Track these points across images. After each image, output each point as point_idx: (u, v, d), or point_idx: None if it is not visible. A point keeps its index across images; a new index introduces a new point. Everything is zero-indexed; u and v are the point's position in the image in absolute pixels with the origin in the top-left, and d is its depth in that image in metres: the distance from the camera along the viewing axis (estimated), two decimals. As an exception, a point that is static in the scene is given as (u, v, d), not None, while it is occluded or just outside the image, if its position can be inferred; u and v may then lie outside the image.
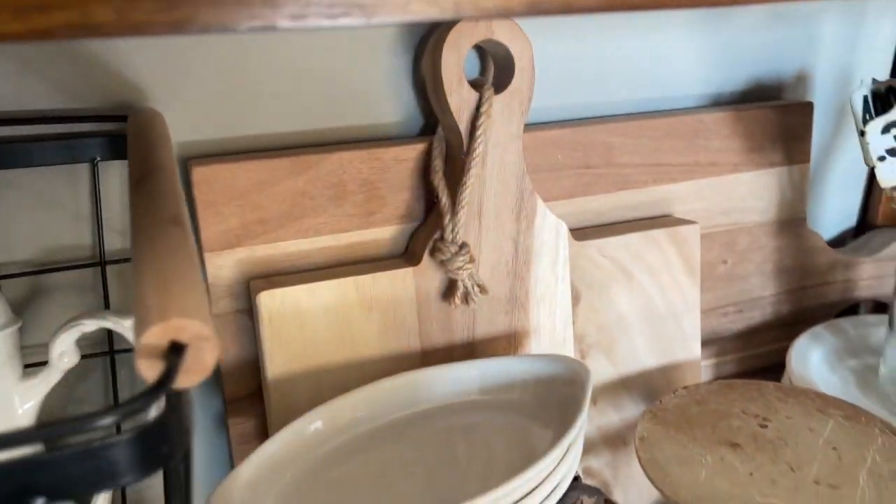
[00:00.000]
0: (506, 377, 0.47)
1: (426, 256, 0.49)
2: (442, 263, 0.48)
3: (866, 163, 0.52)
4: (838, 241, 0.73)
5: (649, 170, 0.58)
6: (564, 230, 0.52)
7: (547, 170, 0.54)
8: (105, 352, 0.48)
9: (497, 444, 0.44)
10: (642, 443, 0.47)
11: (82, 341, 0.42)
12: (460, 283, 0.49)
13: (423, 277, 0.49)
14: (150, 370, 0.20)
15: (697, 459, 0.46)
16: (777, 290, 0.65)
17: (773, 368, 0.65)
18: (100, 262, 0.47)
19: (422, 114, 0.53)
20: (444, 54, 0.46)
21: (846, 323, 0.64)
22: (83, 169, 0.46)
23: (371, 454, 0.43)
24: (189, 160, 0.46)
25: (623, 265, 0.55)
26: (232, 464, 0.51)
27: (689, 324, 0.58)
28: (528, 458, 0.37)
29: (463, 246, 0.48)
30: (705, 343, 0.63)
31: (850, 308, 0.70)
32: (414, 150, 0.50)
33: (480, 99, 0.47)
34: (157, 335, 0.20)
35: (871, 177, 0.73)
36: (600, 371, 0.56)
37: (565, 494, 0.41)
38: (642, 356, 0.57)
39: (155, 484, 0.53)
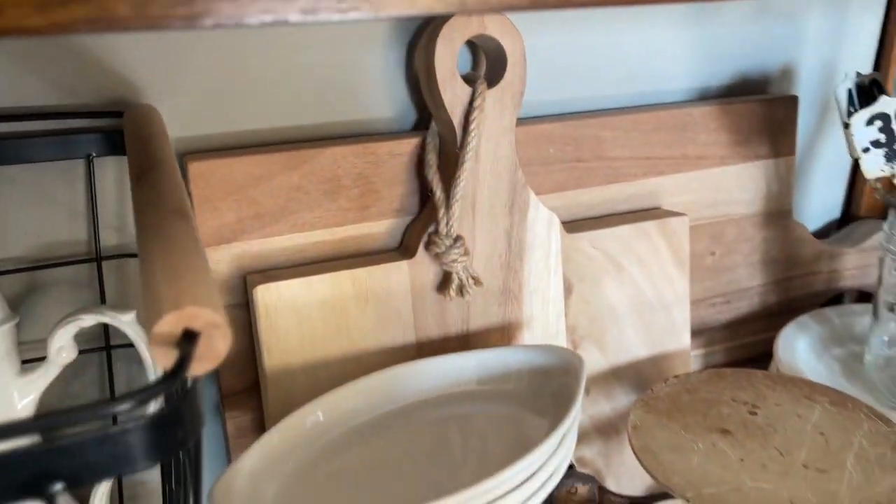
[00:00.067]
0: (502, 367, 0.47)
1: (421, 249, 0.49)
2: (437, 256, 0.49)
3: (851, 154, 0.53)
4: (823, 233, 0.75)
5: (639, 163, 0.59)
6: (556, 223, 0.53)
7: (539, 163, 0.55)
8: (101, 347, 0.48)
9: (494, 433, 0.45)
10: (635, 431, 0.48)
11: (79, 337, 0.43)
12: (455, 276, 0.49)
13: (418, 270, 0.50)
14: (164, 358, 0.21)
15: (689, 446, 0.47)
16: (764, 281, 0.67)
17: (760, 358, 0.66)
18: (96, 257, 0.47)
19: (415, 108, 0.53)
20: (437, 49, 0.47)
21: (831, 312, 0.65)
22: (79, 165, 0.46)
23: (371, 444, 0.44)
24: (184, 155, 0.47)
25: (614, 257, 0.56)
26: (229, 457, 0.51)
27: (679, 314, 0.59)
28: (525, 446, 0.37)
29: (457, 239, 0.49)
30: (694, 333, 0.64)
31: (835, 298, 0.71)
32: (408, 145, 0.51)
33: (473, 93, 0.48)
34: (171, 323, 0.21)
35: (855, 169, 0.74)
36: (592, 362, 0.57)
37: (560, 482, 0.42)
38: (633, 347, 0.58)
39: (151, 479, 0.53)
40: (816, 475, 0.44)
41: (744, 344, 0.67)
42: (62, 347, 0.42)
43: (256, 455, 0.40)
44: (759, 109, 0.62)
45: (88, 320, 0.42)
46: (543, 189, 0.55)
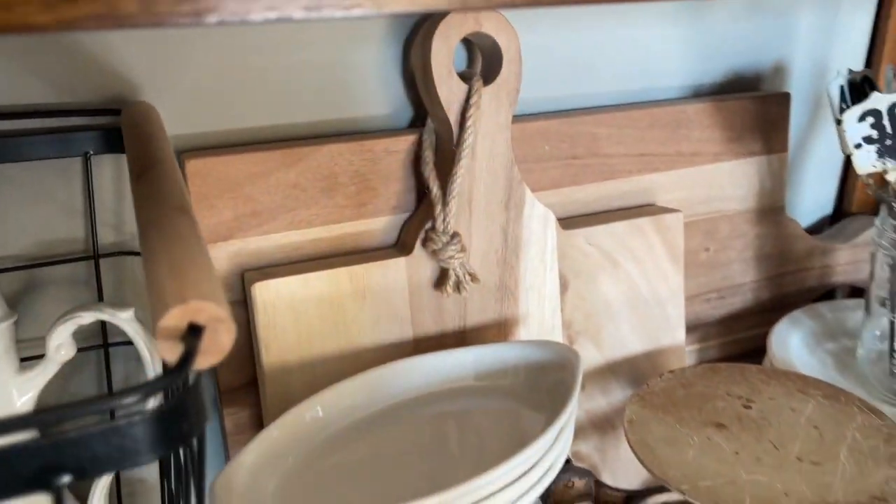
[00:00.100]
0: (500, 363, 0.48)
1: (418, 246, 0.50)
2: (434, 253, 0.49)
3: (843, 150, 0.54)
4: (815, 229, 0.75)
5: (634, 160, 0.59)
6: (552, 219, 0.53)
7: (534, 160, 0.55)
8: (99, 345, 0.48)
9: (492, 428, 0.45)
10: (631, 425, 0.49)
11: (76, 334, 0.43)
12: (452, 272, 0.50)
13: (415, 267, 0.50)
14: (169, 352, 0.21)
15: (685, 440, 0.47)
16: (757, 277, 0.67)
17: (754, 353, 0.67)
18: (93, 255, 0.47)
19: (411, 106, 0.53)
20: (433, 47, 0.47)
21: (824, 307, 0.66)
22: (76, 163, 0.46)
23: (370, 439, 0.44)
24: (182, 153, 0.47)
25: (609, 253, 0.56)
26: (226, 453, 0.51)
27: (674, 310, 0.60)
28: (522, 441, 0.38)
29: (454, 235, 0.49)
30: (689, 329, 0.64)
31: (828, 293, 0.72)
32: (404, 142, 0.51)
33: (470, 91, 0.48)
34: (177, 317, 0.21)
35: (847, 166, 0.75)
36: (588, 357, 0.57)
37: (557, 476, 0.42)
38: (628, 342, 0.58)
39: (149, 477, 0.53)
40: (810, 468, 0.44)
41: (738, 339, 0.68)
42: (61, 345, 0.42)
43: (257, 449, 0.40)
44: (752, 106, 0.63)
45: (87, 317, 0.42)
46: (539, 186, 0.56)
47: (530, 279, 0.54)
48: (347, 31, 0.50)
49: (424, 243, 0.50)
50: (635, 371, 0.59)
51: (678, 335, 0.60)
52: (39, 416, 0.19)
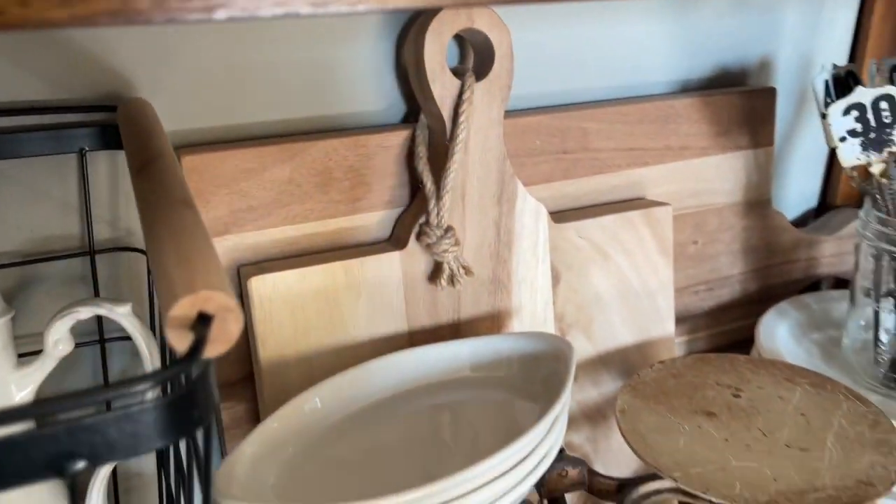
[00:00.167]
0: (495, 354, 0.48)
1: (412, 240, 0.50)
2: (428, 247, 0.50)
3: (828, 144, 0.55)
4: (801, 221, 0.76)
5: (623, 154, 0.60)
6: (544, 213, 0.54)
7: (526, 155, 0.56)
8: (96, 340, 0.49)
9: (487, 418, 0.46)
10: (623, 415, 0.49)
11: (73, 330, 0.43)
12: (446, 266, 0.50)
13: (410, 261, 0.51)
14: (179, 340, 0.21)
15: (676, 428, 0.48)
16: (745, 269, 0.68)
17: (742, 343, 0.68)
18: (89, 251, 0.47)
19: (404, 101, 0.54)
20: (426, 43, 0.47)
21: (810, 298, 0.67)
22: (71, 159, 0.46)
23: (368, 430, 0.45)
24: (177, 149, 0.47)
25: (600, 246, 0.57)
26: (223, 447, 0.52)
27: (664, 302, 0.60)
28: (517, 431, 0.38)
29: (448, 229, 0.50)
30: (678, 321, 0.65)
31: (813, 284, 0.73)
32: (398, 137, 0.51)
33: (462, 86, 0.49)
34: (186, 307, 0.21)
35: (831, 159, 0.76)
36: (579, 349, 0.58)
37: (551, 465, 0.43)
38: (619, 334, 0.59)
39: (146, 472, 0.53)
40: (799, 454, 0.45)
41: (726, 330, 0.69)
42: (59, 340, 0.43)
43: (257, 440, 0.41)
44: (739, 101, 0.64)
45: (85, 313, 0.42)
46: (531, 180, 0.56)
47: (523, 272, 0.54)
48: (341, 28, 0.50)
49: (419, 237, 0.50)
50: (626, 362, 0.60)
51: (668, 327, 0.61)
52: (53, 402, 0.19)
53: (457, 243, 0.50)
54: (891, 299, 0.56)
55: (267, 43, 0.49)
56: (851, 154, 0.54)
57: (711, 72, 0.66)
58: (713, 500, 0.42)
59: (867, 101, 0.54)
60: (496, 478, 0.37)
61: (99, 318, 0.48)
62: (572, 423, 0.58)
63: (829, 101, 0.54)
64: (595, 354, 0.59)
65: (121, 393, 0.20)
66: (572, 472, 0.50)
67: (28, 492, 0.43)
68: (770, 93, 0.66)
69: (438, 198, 0.49)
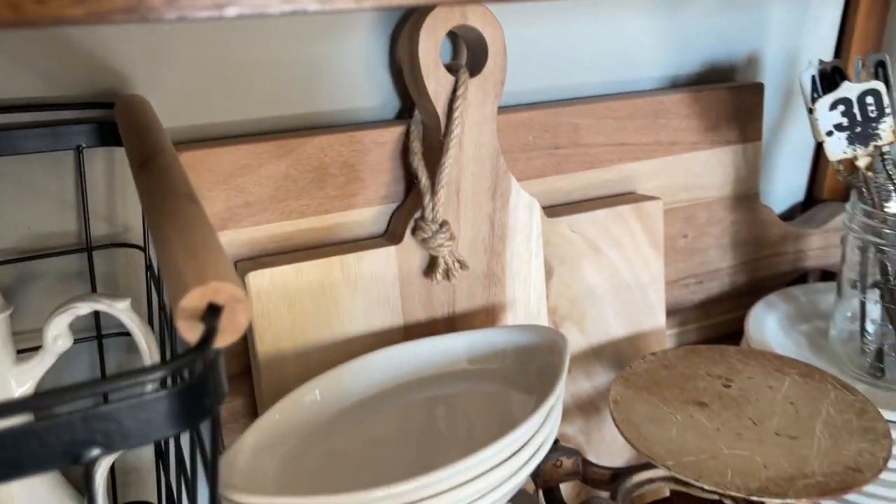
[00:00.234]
0: (490, 347, 0.49)
1: (408, 235, 0.51)
2: (423, 242, 0.50)
3: (815, 138, 0.56)
4: (788, 215, 0.78)
5: (614, 149, 0.61)
6: (537, 208, 0.55)
7: (519, 150, 0.57)
8: (92, 336, 0.49)
9: (483, 409, 0.46)
10: (616, 405, 0.50)
11: (70, 326, 0.43)
12: (441, 260, 0.51)
13: (405, 255, 0.51)
14: (189, 331, 0.22)
15: (668, 418, 0.49)
16: (734, 262, 0.69)
17: (732, 335, 0.69)
18: (86, 247, 0.47)
19: (398, 97, 0.54)
20: (420, 40, 0.48)
21: (797, 291, 0.68)
22: (67, 156, 0.47)
23: (368, 422, 0.45)
24: (174, 146, 0.47)
25: (592, 240, 0.58)
26: (221, 441, 0.52)
27: (655, 295, 0.61)
28: (513, 422, 0.39)
29: (443, 224, 0.50)
30: (669, 313, 0.66)
31: (801, 277, 0.74)
32: (392, 133, 0.52)
33: (456, 83, 0.49)
34: (196, 298, 0.22)
35: (817, 154, 0.77)
36: (572, 341, 0.59)
37: (546, 456, 0.44)
38: (611, 327, 0.60)
39: (143, 467, 0.54)
40: (788, 441, 0.46)
41: (716, 322, 0.70)
42: (58, 336, 0.43)
43: (258, 432, 0.41)
44: (727, 96, 0.65)
45: (84, 308, 0.43)
46: (524, 175, 0.57)
47: (516, 266, 0.55)
48: (335, 25, 0.51)
49: (414, 232, 0.51)
50: (618, 354, 0.61)
51: (659, 319, 0.62)
52: (70, 391, 0.20)
53: (452, 238, 0.51)
54: (877, 290, 0.57)
55: (262, 40, 0.49)
56: (838, 148, 0.55)
57: (700, 68, 0.67)
58: (706, 487, 0.43)
59: (853, 96, 0.55)
60: (493, 468, 0.38)
61: (96, 314, 0.49)
62: (566, 414, 0.59)
63: (815, 96, 0.55)
64: (588, 347, 0.60)
65: (137, 381, 0.20)
66: (567, 463, 0.51)
67: (29, 486, 0.43)
68: (758, 88, 0.67)
69: (433, 193, 0.50)
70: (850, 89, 0.55)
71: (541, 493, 0.52)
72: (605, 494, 0.50)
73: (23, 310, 0.48)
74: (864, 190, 0.56)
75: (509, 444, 0.38)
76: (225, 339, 0.22)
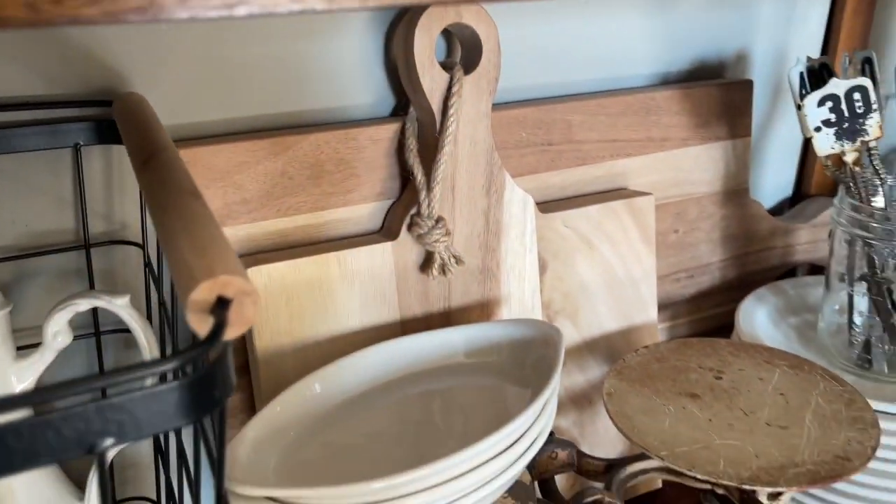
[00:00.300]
0: (486, 341, 0.50)
1: (403, 231, 0.51)
2: (419, 237, 0.51)
3: (804, 134, 0.57)
4: (777, 210, 0.79)
5: (606, 146, 0.61)
6: (531, 203, 0.56)
7: (513, 147, 0.57)
8: (91, 333, 0.49)
9: (480, 402, 0.47)
10: (610, 398, 0.51)
11: (70, 323, 0.44)
12: (437, 256, 0.51)
13: (402, 251, 0.52)
14: (199, 324, 0.22)
15: (661, 410, 0.50)
16: (724, 256, 0.70)
17: (722, 329, 0.70)
18: (84, 245, 0.48)
19: (393, 95, 0.55)
20: (416, 38, 0.48)
21: (786, 284, 0.69)
22: (65, 154, 0.47)
23: (367, 415, 0.46)
24: (171, 143, 0.48)
25: (585, 235, 0.58)
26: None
27: (647, 289, 0.62)
28: (508, 415, 0.40)
29: (439, 220, 0.51)
30: (660, 307, 0.67)
31: (790, 271, 0.76)
32: (387, 131, 0.52)
33: (451, 80, 0.50)
34: (206, 291, 0.22)
35: (805, 150, 0.78)
36: (566, 335, 0.59)
37: (542, 448, 0.44)
38: (604, 321, 0.61)
39: (141, 463, 0.54)
40: (779, 431, 0.47)
41: (706, 316, 0.71)
42: (58, 332, 0.43)
43: (259, 425, 0.42)
44: (717, 93, 0.66)
45: (83, 305, 0.43)
46: (517, 171, 0.58)
47: (511, 261, 0.56)
48: (331, 23, 0.51)
49: (410, 228, 0.51)
50: (611, 348, 0.62)
51: (651, 313, 0.63)
52: (85, 381, 0.20)
53: (447, 233, 0.51)
54: (864, 283, 0.58)
55: (259, 38, 0.49)
56: (826, 143, 0.56)
57: (690, 65, 0.68)
58: (698, 476, 0.44)
59: (840, 93, 0.56)
60: (489, 460, 0.39)
61: (94, 311, 0.49)
62: (560, 407, 0.60)
63: (804, 92, 0.56)
64: (581, 341, 0.60)
65: (151, 372, 0.21)
66: (562, 454, 0.52)
67: (30, 481, 0.43)
68: (747, 85, 0.68)
69: (429, 189, 0.50)
70: (837, 86, 0.56)
71: (536, 484, 0.53)
72: (599, 485, 0.50)
73: (21, 307, 0.48)
74: (851, 185, 0.57)
75: (505, 436, 0.39)
76: (234, 331, 0.23)
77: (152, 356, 0.44)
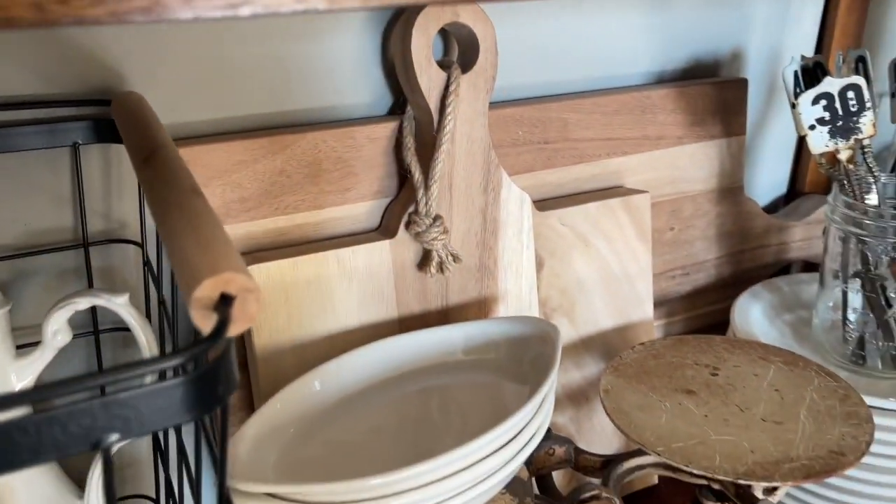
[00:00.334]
0: (485, 338, 0.50)
1: (401, 229, 0.52)
2: (417, 235, 0.51)
3: (798, 132, 0.57)
4: (771, 208, 0.79)
5: (602, 144, 0.62)
6: (528, 201, 0.56)
7: (509, 145, 0.58)
8: (90, 331, 0.49)
9: (478, 399, 0.47)
10: (607, 394, 0.51)
11: (69, 321, 0.44)
12: (435, 254, 0.52)
13: (400, 249, 0.52)
14: (203, 320, 0.23)
15: (657, 406, 0.50)
16: (719, 254, 0.71)
17: (718, 325, 0.71)
18: (83, 243, 0.48)
19: (391, 93, 0.55)
20: (413, 37, 0.49)
21: (781, 281, 0.70)
22: (63, 153, 0.47)
23: (366, 412, 0.46)
24: (170, 142, 0.48)
25: (582, 233, 0.59)
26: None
27: (643, 287, 0.63)
28: (506, 411, 0.40)
29: (437, 218, 0.51)
30: (656, 304, 0.68)
31: (784, 268, 0.76)
32: (385, 129, 0.53)
33: (449, 79, 0.50)
34: (210, 288, 0.22)
35: (800, 147, 0.79)
36: (563, 333, 0.59)
37: (539, 444, 0.45)
38: (600, 318, 0.61)
39: (139, 460, 0.54)
40: (774, 427, 0.48)
41: (702, 313, 0.71)
42: (58, 330, 0.43)
43: (259, 422, 0.42)
44: (712, 91, 0.66)
45: (83, 303, 0.43)
46: (514, 170, 0.58)
47: (508, 258, 0.56)
48: (329, 22, 0.51)
49: (408, 226, 0.52)
50: (607, 345, 0.62)
51: (647, 310, 0.63)
52: (92, 377, 0.20)
53: (445, 231, 0.51)
54: (858, 280, 0.58)
55: (256, 37, 0.50)
56: (820, 141, 0.57)
57: (686, 63, 0.68)
58: (695, 472, 0.44)
59: (834, 91, 0.56)
60: (487, 456, 0.39)
61: (93, 310, 0.49)
62: (557, 404, 0.60)
63: (798, 91, 0.57)
64: (578, 338, 0.61)
65: (157, 367, 0.21)
66: (559, 451, 0.52)
67: (30, 478, 0.44)
68: (742, 83, 0.68)
69: (427, 187, 0.51)
70: (831, 84, 0.56)
71: (534, 480, 0.53)
72: (596, 481, 0.51)
73: (20, 305, 0.48)
74: (845, 182, 0.57)
75: (503, 432, 0.39)
76: (237, 327, 0.23)
77: (152, 354, 0.44)
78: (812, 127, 0.56)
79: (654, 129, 0.64)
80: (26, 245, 0.48)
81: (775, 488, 0.48)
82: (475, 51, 0.51)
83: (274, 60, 0.51)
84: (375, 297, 0.52)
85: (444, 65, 0.51)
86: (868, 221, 0.56)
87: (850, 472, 0.45)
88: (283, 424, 0.43)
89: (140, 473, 0.54)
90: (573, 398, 0.61)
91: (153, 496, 0.53)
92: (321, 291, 0.50)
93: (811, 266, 0.77)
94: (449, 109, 0.50)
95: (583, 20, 0.61)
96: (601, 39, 0.63)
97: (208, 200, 0.48)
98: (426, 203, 0.51)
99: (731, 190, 0.70)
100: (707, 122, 0.66)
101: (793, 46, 0.74)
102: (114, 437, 0.21)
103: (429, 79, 0.50)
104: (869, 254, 0.57)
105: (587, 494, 0.48)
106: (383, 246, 0.51)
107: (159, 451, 0.49)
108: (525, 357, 0.49)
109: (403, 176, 0.54)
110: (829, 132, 0.57)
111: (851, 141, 0.57)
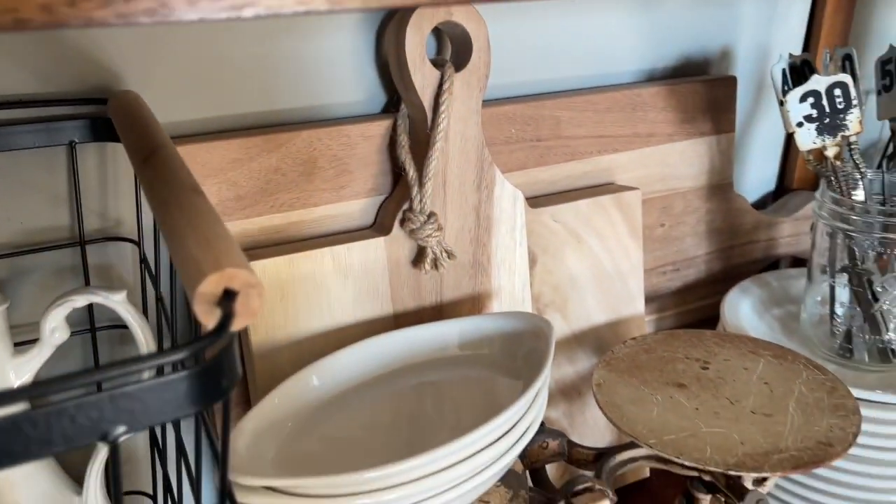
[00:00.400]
0: (479, 334, 0.51)
1: (396, 226, 0.52)
2: (412, 232, 0.52)
3: (786, 129, 0.58)
4: (760, 204, 0.80)
5: (594, 141, 0.62)
6: (521, 199, 0.56)
7: (502, 143, 0.58)
8: (87, 329, 0.50)
9: (472, 394, 0.48)
10: (599, 388, 0.52)
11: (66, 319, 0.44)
12: (429, 250, 0.52)
13: (394, 246, 0.52)
14: (206, 315, 0.23)
15: (649, 399, 0.51)
16: (709, 250, 0.72)
17: (708, 321, 0.71)
18: (80, 241, 0.48)
19: (384, 92, 0.56)
20: (407, 36, 0.49)
21: (770, 277, 0.71)
22: (60, 152, 0.47)
23: (362, 406, 0.47)
24: (166, 140, 0.48)
25: (574, 230, 0.60)
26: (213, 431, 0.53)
27: (634, 282, 0.63)
28: (500, 406, 0.40)
29: (431, 215, 0.52)
30: (647, 300, 0.68)
31: (773, 263, 0.77)
32: (379, 127, 0.53)
33: (442, 77, 0.51)
34: (213, 284, 0.23)
35: (788, 145, 0.80)
36: (556, 328, 0.60)
37: (533, 438, 0.45)
38: (593, 313, 0.62)
39: (137, 457, 0.54)
40: (763, 419, 0.48)
41: (692, 308, 0.72)
42: (55, 328, 0.44)
43: (257, 416, 0.42)
44: (702, 89, 0.67)
45: (81, 301, 0.43)
46: (507, 167, 0.59)
47: (501, 255, 0.57)
48: (323, 22, 0.52)
49: (402, 223, 0.52)
50: (599, 340, 0.63)
51: (638, 305, 0.64)
52: (95, 373, 0.21)
53: (439, 228, 0.52)
54: (845, 275, 0.59)
55: (252, 36, 0.50)
56: (808, 138, 0.58)
57: (676, 61, 0.69)
58: (686, 463, 0.45)
59: (822, 89, 0.57)
60: (481, 450, 0.40)
61: (90, 307, 0.49)
62: (550, 399, 0.61)
63: (786, 88, 0.58)
64: (570, 333, 0.61)
65: (164, 361, 0.21)
66: (553, 444, 0.53)
67: (30, 474, 0.44)
68: (731, 81, 0.69)
69: (421, 185, 0.51)
70: (818, 82, 0.57)
71: (528, 473, 0.54)
72: (589, 474, 0.51)
73: (17, 304, 0.48)
74: (832, 179, 0.58)
75: (498, 426, 0.40)
76: (241, 322, 0.23)
77: (149, 350, 0.45)
78: (800, 124, 0.57)
79: (644, 126, 0.65)
80: (23, 243, 0.48)
81: (765, 479, 0.49)
82: (468, 49, 0.52)
83: (269, 59, 0.51)
84: (370, 294, 0.52)
85: (437, 63, 0.51)
86: (855, 217, 0.57)
87: (838, 462, 0.46)
88: (280, 419, 0.44)
89: (137, 469, 0.55)
90: (566, 392, 0.62)
91: (150, 492, 0.53)
92: (317, 288, 0.50)
93: (799, 261, 0.78)
94: (443, 107, 0.51)
95: (574, 19, 0.62)
96: (593, 38, 0.64)
97: (204, 198, 0.48)
98: (420, 200, 0.51)
99: (720, 186, 0.71)
100: (697, 119, 0.67)
101: (781, 45, 0.75)
102: (121, 429, 0.22)
103: (423, 77, 0.50)
104: (856, 249, 0.58)
105: (580, 487, 0.48)
106: (378, 243, 0.52)
107: (156, 447, 0.49)
108: (519, 352, 0.49)
109: (398, 174, 0.54)
110: (816, 129, 0.57)
111: (838, 138, 0.58)
